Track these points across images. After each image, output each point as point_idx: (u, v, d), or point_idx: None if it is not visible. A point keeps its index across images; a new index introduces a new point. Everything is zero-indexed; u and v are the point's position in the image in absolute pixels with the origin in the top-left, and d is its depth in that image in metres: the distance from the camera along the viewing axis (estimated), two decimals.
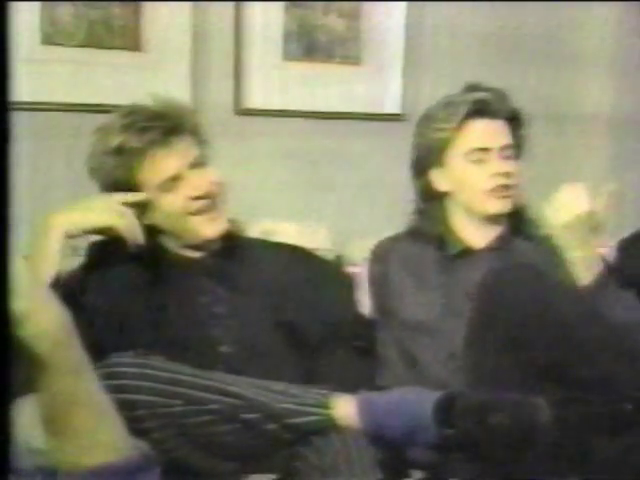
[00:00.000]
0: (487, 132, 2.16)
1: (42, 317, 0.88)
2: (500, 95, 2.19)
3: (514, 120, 2.20)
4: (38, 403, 0.92)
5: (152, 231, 2.02)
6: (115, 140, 1.91)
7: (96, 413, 0.95)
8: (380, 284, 2.22)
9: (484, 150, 2.15)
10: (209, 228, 1.98)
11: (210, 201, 1.96)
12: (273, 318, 2.00)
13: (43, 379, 0.90)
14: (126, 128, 1.92)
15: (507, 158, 2.17)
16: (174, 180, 1.94)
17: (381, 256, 2.25)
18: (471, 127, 2.16)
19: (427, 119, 2.21)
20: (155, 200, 1.95)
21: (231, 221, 2.05)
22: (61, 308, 0.92)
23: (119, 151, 1.91)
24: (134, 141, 1.91)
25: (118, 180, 1.94)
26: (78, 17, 2.37)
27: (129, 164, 1.92)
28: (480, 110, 2.16)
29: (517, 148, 2.22)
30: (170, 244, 2.03)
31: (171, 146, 1.93)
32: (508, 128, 2.19)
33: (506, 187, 2.15)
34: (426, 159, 2.21)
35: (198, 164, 1.97)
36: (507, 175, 2.15)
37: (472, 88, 2.20)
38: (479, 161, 2.16)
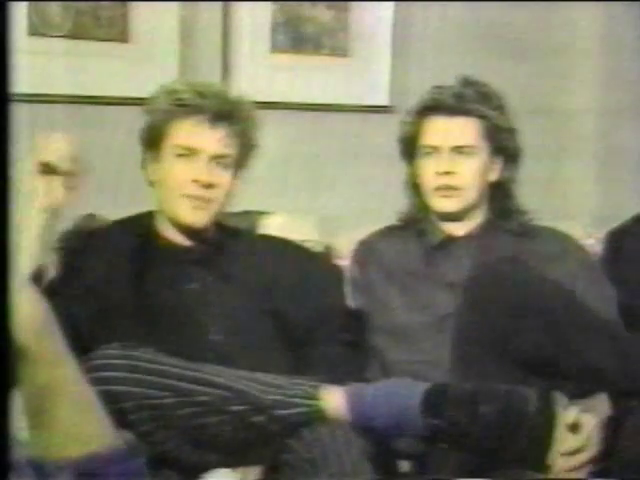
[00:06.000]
0: (439, 130, 2.15)
1: (21, 308, 0.88)
2: (475, 93, 2.16)
3: (486, 119, 2.15)
4: (21, 395, 0.92)
5: (149, 216, 2.05)
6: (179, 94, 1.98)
7: (78, 404, 0.95)
8: (360, 290, 2.22)
9: (434, 147, 2.15)
10: (192, 216, 1.98)
11: (206, 192, 1.97)
12: (262, 308, 2.00)
13: (25, 371, 0.90)
14: (192, 90, 1.99)
15: (460, 157, 2.13)
16: (191, 152, 1.96)
17: (361, 259, 2.25)
18: (428, 123, 2.16)
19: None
20: (169, 164, 1.98)
21: (221, 212, 2.05)
22: (39, 299, 0.92)
23: (171, 93, 1.99)
24: (191, 98, 1.96)
25: (157, 126, 1.99)
26: (65, 8, 2.36)
27: (169, 117, 1.97)
28: (436, 107, 2.15)
29: (496, 149, 2.17)
30: (163, 228, 2.04)
31: (215, 125, 1.97)
32: (479, 128, 2.15)
33: (451, 187, 2.14)
34: (403, 149, 2.23)
35: (224, 163, 1.98)
36: (453, 175, 2.13)
37: (461, 81, 2.19)
38: (429, 158, 2.16)
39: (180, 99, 1.98)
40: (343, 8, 2.74)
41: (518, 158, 2.22)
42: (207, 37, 2.58)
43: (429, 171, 2.15)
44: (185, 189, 1.97)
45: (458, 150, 2.14)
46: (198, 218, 1.99)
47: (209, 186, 1.97)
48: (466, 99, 2.15)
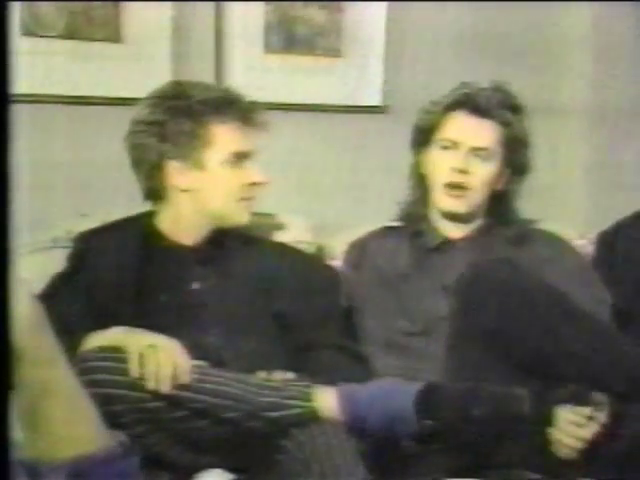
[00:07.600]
0: (464, 126, 2.15)
1: (15, 308, 0.88)
2: (505, 100, 2.16)
3: (509, 128, 2.16)
4: (14, 396, 0.91)
5: (150, 216, 2.05)
6: (202, 95, 1.99)
7: (71, 405, 0.95)
8: (351, 292, 2.20)
9: (454, 142, 2.14)
10: (245, 216, 2.02)
11: (255, 192, 2.02)
12: (263, 310, 2.01)
13: (18, 372, 0.90)
14: (233, 95, 2.02)
15: (476, 159, 2.13)
16: (239, 158, 1.99)
17: (353, 261, 2.24)
18: (453, 117, 2.16)
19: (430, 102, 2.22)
20: (214, 175, 1.98)
21: None
22: (32, 298, 0.92)
23: (202, 103, 1.96)
24: (237, 103, 1.99)
25: (186, 143, 1.96)
26: (58, 8, 2.36)
27: (207, 124, 1.96)
28: (465, 104, 2.15)
29: (509, 159, 2.17)
30: (166, 228, 2.04)
31: (248, 127, 2.00)
32: (500, 134, 2.15)
33: (460, 186, 2.13)
34: (416, 138, 2.21)
35: (252, 157, 2.03)
36: (468, 175, 2.12)
37: (493, 86, 2.19)
38: (446, 152, 2.14)
39: (224, 103, 1.99)
40: (336, 9, 2.74)
41: (525, 174, 2.22)
42: (200, 38, 2.58)
43: (444, 165, 2.14)
44: (241, 193, 2.00)
45: (476, 151, 2.13)
46: (247, 218, 2.03)
47: (260, 183, 2.02)
48: (496, 104, 2.15)
